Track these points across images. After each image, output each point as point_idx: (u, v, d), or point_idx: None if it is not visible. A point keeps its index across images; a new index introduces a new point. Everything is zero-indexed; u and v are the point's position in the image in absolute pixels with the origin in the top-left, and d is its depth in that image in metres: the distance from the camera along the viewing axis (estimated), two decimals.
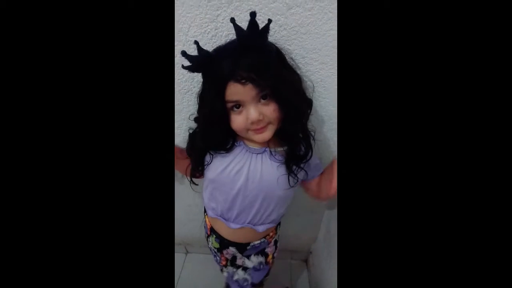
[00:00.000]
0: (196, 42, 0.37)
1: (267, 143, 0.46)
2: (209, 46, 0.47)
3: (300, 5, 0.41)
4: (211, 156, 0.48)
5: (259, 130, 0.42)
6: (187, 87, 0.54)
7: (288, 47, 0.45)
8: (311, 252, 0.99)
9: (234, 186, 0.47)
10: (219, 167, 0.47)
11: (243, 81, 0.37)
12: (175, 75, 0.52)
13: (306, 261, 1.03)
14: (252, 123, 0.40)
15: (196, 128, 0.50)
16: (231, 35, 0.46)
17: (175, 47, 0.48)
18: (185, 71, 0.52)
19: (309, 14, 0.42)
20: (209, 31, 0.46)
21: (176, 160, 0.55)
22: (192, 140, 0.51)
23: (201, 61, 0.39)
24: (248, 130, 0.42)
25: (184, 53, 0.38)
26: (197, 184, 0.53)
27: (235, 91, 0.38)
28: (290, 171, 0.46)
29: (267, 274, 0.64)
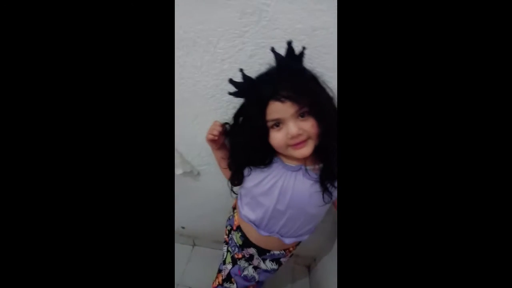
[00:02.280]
0: (241, 70, 0.42)
1: (304, 161, 0.48)
2: (235, 59, 0.50)
3: (325, 28, 0.44)
4: (250, 169, 0.52)
5: (299, 146, 0.43)
6: (211, 93, 0.58)
7: (309, 65, 0.48)
8: (314, 259, 1.00)
9: (266, 199, 0.51)
10: (256, 179, 0.51)
11: (283, 99, 0.40)
12: (200, 81, 0.56)
13: (308, 266, 1.05)
14: (292, 137, 0.42)
15: (234, 144, 0.54)
16: (256, 49, 0.49)
17: (204, 58, 0.52)
18: (210, 78, 0.56)
19: (331, 37, 0.45)
20: (236, 45, 0.50)
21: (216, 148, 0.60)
22: (233, 154, 0.54)
23: (245, 87, 0.44)
24: (288, 146, 0.44)
25: (231, 81, 0.44)
26: (235, 194, 0.59)
27: (275, 109, 0.41)
28: (324, 189, 0.48)
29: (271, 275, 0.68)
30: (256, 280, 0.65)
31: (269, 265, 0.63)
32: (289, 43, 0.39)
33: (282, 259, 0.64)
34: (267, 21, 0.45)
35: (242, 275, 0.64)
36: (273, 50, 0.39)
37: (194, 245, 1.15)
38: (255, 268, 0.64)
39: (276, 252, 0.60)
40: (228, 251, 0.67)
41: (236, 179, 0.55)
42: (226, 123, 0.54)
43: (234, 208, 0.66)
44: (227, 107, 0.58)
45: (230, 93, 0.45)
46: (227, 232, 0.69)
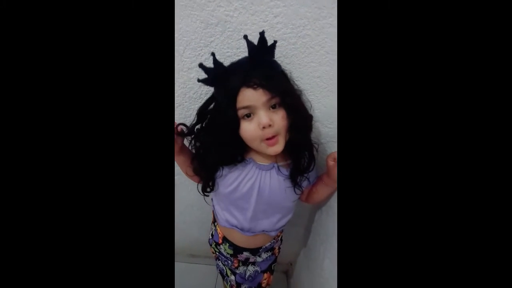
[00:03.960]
0: (212, 54, 0.40)
1: (275, 158, 0.48)
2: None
3: (285, 39, 0.47)
4: (222, 170, 0.50)
5: (271, 141, 0.43)
6: (179, 101, 0.57)
7: None
8: (291, 264, 1.01)
9: (247, 201, 0.51)
10: (232, 183, 0.50)
11: (255, 86, 0.39)
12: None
13: (286, 272, 1.05)
14: (264, 128, 0.41)
15: (199, 146, 0.50)
16: (223, 59, 0.50)
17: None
18: (178, 87, 0.55)
19: (292, 48, 0.48)
20: (202, 54, 0.50)
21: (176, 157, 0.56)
22: (200, 158, 0.50)
23: (216, 73, 0.41)
24: (261, 140, 0.43)
25: (201, 65, 0.41)
26: (208, 195, 0.55)
27: (247, 96, 0.40)
28: (295, 184, 0.50)
29: (274, 261, 0.69)
30: (261, 271, 0.66)
31: (264, 255, 0.65)
32: (262, 34, 0.38)
33: (274, 246, 0.65)
34: (231, 32, 0.47)
35: (246, 277, 0.65)
36: (245, 38, 0.38)
37: None
38: (253, 263, 0.65)
39: (268, 244, 0.61)
40: (224, 264, 0.67)
41: (208, 185, 0.53)
42: (182, 124, 0.49)
43: (213, 222, 0.65)
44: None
45: (200, 80, 0.42)
46: (213, 250, 0.68)
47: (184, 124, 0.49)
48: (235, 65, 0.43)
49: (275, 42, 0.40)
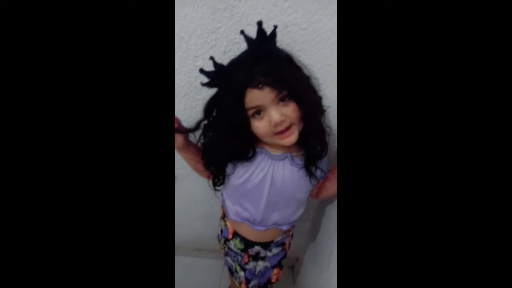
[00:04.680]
0: (211, 58, 0.39)
1: (288, 148, 0.47)
2: (209, 55, 0.49)
3: (296, 24, 0.45)
4: (234, 165, 0.48)
5: (285, 134, 0.42)
6: (184, 91, 0.56)
7: None
8: (297, 259, 1.00)
9: (259, 193, 0.49)
10: (243, 175, 0.48)
11: (260, 85, 0.38)
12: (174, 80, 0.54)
13: (292, 267, 1.04)
14: (276, 125, 0.40)
15: (208, 141, 0.49)
16: (230, 46, 0.49)
17: (176, 54, 0.51)
18: (183, 76, 0.54)
19: (303, 33, 0.46)
20: (209, 42, 0.49)
21: (185, 155, 0.55)
22: (209, 153, 0.50)
23: (218, 75, 0.41)
24: (273, 135, 0.42)
25: (201, 71, 0.40)
26: (218, 190, 0.54)
27: (254, 96, 0.39)
28: (310, 173, 0.48)
29: (284, 256, 0.68)
30: (271, 266, 0.65)
31: (275, 250, 0.63)
32: (259, 24, 0.36)
33: (285, 241, 0.64)
34: (240, 17, 0.45)
35: (256, 273, 0.64)
36: (242, 33, 0.37)
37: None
38: (263, 259, 0.64)
39: (279, 238, 0.60)
40: (233, 260, 0.66)
41: (218, 179, 0.52)
42: (180, 130, 0.49)
43: (223, 217, 0.63)
44: (202, 106, 0.56)
45: (203, 84, 0.41)
46: (222, 246, 0.66)
47: (186, 130, 0.48)
48: (236, 62, 0.41)
49: (275, 27, 0.38)
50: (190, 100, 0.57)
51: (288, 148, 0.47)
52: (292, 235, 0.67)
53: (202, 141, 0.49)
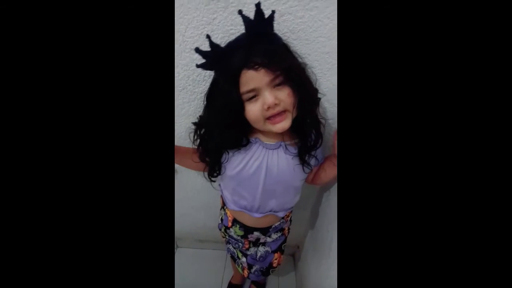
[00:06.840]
0: (208, 36, 0.37)
1: (282, 137, 0.47)
2: (205, 47, 0.49)
3: (292, 13, 0.44)
4: (227, 154, 0.49)
5: (277, 119, 0.41)
6: (182, 84, 0.56)
7: None
8: (298, 247, 1.03)
9: (255, 182, 0.50)
10: (239, 164, 0.49)
11: (256, 66, 0.37)
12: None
13: (293, 255, 1.07)
14: (269, 108, 0.40)
15: (203, 132, 0.50)
16: (226, 37, 0.48)
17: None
18: (181, 69, 0.54)
19: (300, 22, 0.45)
20: (205, 33, 0.48)
21: (179, 158, 0.58)
22: (204, 143, 0.50)
23: (214, 56, 0.39)
24: (265, 120, 0.42)
25: (197, 50, 0.39)
26: (214, 181, 0.56)
27: (250, 78, 0.38)
28: (303, 162, 0.49)
29: (284, 241, 0.70)
30: (271, 251, 0.67)
31: (274, 236, 0.65)
32: (258, 5, 0.36)
33: (284, 226, 0.66)
34: (235, 7, 0.45)
35: (257, 258, 0.66)
36: (240, 12, 0.36)
37: (176, 247, 1.11)
38: (264, 244, 0.66)
39: (277, 224, 0.62)
40: (234, 247, 0.68)
41: (214, 170, 0.53)
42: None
43: (223, 206, 0.65)
44: (201, 99, 0.56)
45: (198, 65, 0.40)
46: (223, 234, 0.68)
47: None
48: (233, 43, 0.41)
49: (273, 12, 0.37)
50: (188, 93, 0.57)
51: (281, 137, 0.48)
52: (291, 220, 0.69)
53: (198, 134, 0.50)
